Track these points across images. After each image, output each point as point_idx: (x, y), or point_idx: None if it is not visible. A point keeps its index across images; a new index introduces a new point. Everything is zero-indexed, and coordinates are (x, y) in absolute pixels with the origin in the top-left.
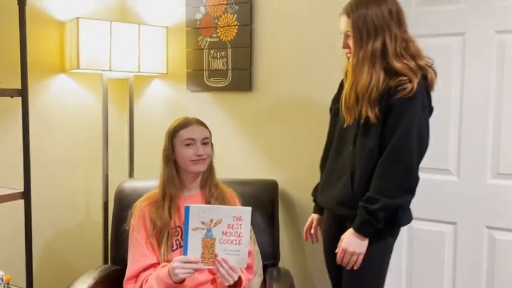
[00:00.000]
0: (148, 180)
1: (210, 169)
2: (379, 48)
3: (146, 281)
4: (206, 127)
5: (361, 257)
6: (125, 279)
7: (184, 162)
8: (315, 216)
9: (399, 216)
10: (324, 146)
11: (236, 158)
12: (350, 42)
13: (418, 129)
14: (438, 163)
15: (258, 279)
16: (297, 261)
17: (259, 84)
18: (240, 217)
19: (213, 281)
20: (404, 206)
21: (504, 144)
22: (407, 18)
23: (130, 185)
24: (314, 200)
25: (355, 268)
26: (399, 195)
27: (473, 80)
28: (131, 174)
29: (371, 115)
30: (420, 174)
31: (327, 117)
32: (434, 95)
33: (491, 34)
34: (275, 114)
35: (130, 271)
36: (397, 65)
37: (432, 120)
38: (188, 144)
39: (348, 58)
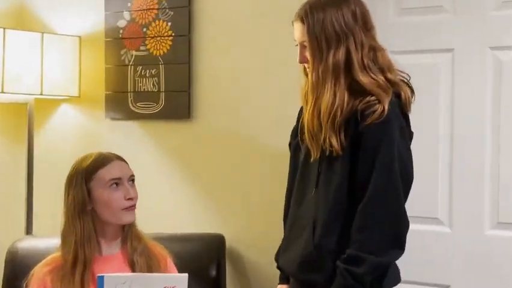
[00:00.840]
0: (52, 237)
1: None
2: (342, 60)
3: None
4: (127, 163)
5: None
6: None
7: (110, 211)
8: (282, 287)
9: (387, 277)
10: (285, 194)
11: (171, 207)
12: (308, 54)
13: (400, 161)
14: (425, 211)
15: None
16: None
17: (200, 111)
18: (173, 287)
19: None
20: (392, 264)
21: (504, 186)
22: (382, 29)
23: (27, 244)
24: (278, 266)
25: None
26: (388, 250)
27: (465, 107)
28: (28, 229)
29: (335, 144)
30: None
31: (287, 153)
32: (419, 126)
33: (484, 51)
34: (221, 149)
35: None
36: (363, 79)
37: (418, 158)
38: (116, 184)
39: (307, 75)
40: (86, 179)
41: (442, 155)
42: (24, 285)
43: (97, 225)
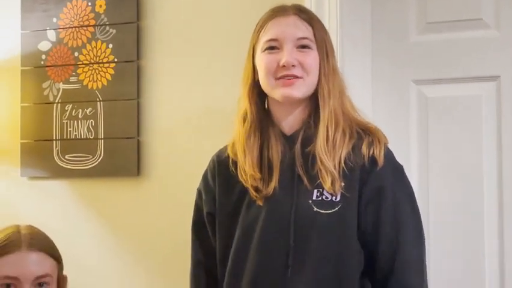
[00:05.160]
0: None
1: None
2: None
3: None
4: (47, 251)
5: None
6: None
7: None
8: None
9: None
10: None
11: (108, 286)
12: (310, 58)
13: None
14: (471, 258)
15: None
16: None
17: (152, 165)
18: None
19: None
20: None
21: None
22: (402, 51)
23: None
24: None
25: None
26: None
27: None
28: None
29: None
30: None
31: None
32: (463, 165)
33: None
34: (180, 215)
35: None
36: None
37: (463, 198)
38: (7, 286)
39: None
40: None
41: (488, 196)
42: None
43: None
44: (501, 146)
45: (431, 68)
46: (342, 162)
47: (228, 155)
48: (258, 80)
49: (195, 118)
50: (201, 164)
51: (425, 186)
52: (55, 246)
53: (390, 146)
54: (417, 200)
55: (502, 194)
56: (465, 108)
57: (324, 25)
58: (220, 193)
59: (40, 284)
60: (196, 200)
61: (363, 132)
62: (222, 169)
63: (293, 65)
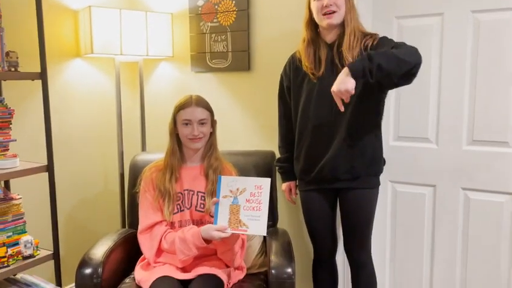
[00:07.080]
0: (158, 153)
1: (210, 144)
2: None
3: (165, 237)
4: (206, 107)
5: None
6: (139, 231)
7: (183, 139)
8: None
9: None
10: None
11: (237, 132)
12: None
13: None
14: (419, 132)
15: (259, 239)
16: (292, 222)
17: (256, 65)
18: (260, 186)
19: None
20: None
21: (478, 114)
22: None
23: (143, 157)
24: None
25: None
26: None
27: (451, 56)
28: (143, 147)
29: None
30: (403, 143)
31: None
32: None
33: (467, 13)
34: (271, 91)
35: (143, 224)
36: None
37: (414, 94)
38: (186, 124)
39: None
40: (175, 114)
41: (433, 92)
42: (139, 180)
43: (182, 145)
44: (441, 54)
45: (407, 8)
46: (356, 56)
47: (297, 56)
48: (312, 18)
49: (281, 39)
50: (281, 63)
51: None
52: (209, 105)
53: None
54: None
55: (440, 94)
56: (424, 30)
57: None
58: (292, 75)
59: (202, 124)
60: (280, 79)
61: (367, 36)
62: (294, 63)
63: (330, 4)
